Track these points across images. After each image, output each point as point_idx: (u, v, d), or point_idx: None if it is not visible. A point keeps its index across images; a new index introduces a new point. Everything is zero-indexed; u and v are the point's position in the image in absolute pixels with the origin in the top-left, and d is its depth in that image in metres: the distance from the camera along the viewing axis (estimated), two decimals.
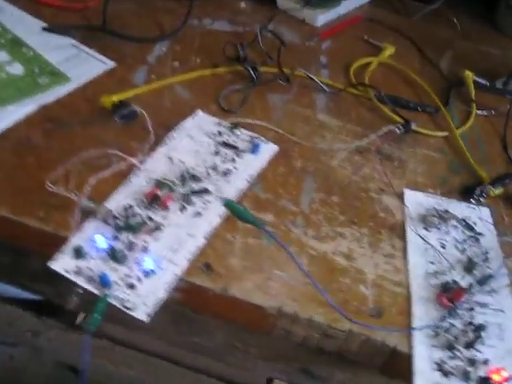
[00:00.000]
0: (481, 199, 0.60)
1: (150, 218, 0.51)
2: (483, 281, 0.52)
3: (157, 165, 0.56)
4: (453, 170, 0.64)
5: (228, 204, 0.47)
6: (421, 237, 0.54)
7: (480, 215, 0.59)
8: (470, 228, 0.57)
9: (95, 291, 0.46)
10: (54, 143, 0.57)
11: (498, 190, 0.60)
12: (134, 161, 0.54)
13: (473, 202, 0.60)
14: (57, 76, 0.65)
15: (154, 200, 0.52)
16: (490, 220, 0.59)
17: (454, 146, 0.67)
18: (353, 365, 0.52)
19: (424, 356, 0.47)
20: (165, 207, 0.52)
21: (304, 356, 0.56)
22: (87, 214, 0.50)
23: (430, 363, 0.47)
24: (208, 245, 0.51)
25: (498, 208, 0.59)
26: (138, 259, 0.48)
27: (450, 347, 0.48)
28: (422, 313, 0.50)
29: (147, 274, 0.48)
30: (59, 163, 0.52)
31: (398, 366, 0.48)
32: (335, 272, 0.51)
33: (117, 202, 0.52)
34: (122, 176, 0.54)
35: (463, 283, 0.52)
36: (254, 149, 0.59)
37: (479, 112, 0.72)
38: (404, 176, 0.62)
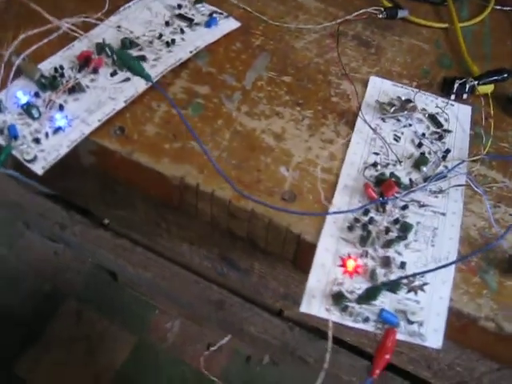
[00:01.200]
0: (464, 96, 0.50)
1: (77, 79, 0.49)
2: (431, 179, 0.44)
3: (103, 32, 0.53)
4: (441, 64, 0.54)
5: (117, 52, 0.43)
6: (366, 122, 0.46)
7: (457, 113, 0.49)
8: (438, 124, 0.48)
9: (1, 142, 0.45)
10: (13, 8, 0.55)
11: (486, 88, 0.50)
12: (57, 21, 0.51)
13: (452, 97, 0.50)
14: None
15: (85, 63, 0.50)
16: (468, 119, 0.49)
17: (452, 40, 0.57)
18: (269, 256, 0.46)
19: (329, 248, 0.41)
20: (94, 70, 0.50)
21: (220, 241, 0.51)
22: (17, 72, 0.48)
23: (334, 257, 0.41)
24: (129, 110, 0.48)
25: (481, 108, 0.49)
26: (52, 116, 0.47)
27: (363, 243, 0.41)
28: (343, 203, 0.43)
29: (56, 130, 0.46)
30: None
31: (307, 258, 0.42)
32: (258, 150, 0.46)
33: (51, 63, 0.50)
34: (67, 41, 0.51)
35: (405, 179, 0.44)
36: (210, 22, 0.54)
37: (498, 7, 0.60)
38: (378, 64, 0.53)
